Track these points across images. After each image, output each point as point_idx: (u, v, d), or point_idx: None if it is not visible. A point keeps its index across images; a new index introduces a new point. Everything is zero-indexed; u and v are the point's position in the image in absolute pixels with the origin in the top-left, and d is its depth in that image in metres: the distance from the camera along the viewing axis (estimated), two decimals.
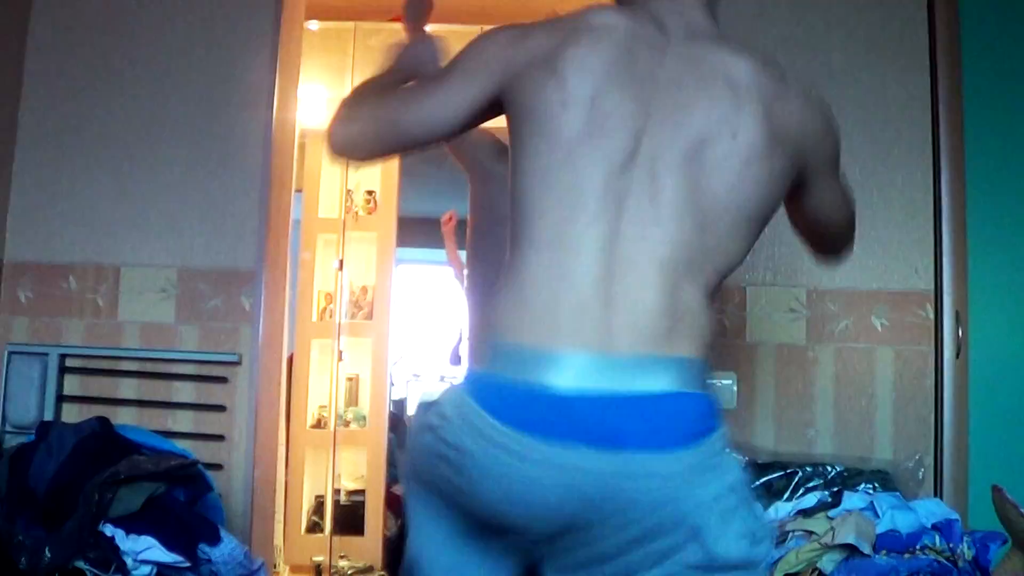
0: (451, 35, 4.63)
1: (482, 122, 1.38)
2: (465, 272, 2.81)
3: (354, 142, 1.40)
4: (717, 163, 1.22)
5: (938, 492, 2.60)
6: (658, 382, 1.15)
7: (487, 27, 3.86)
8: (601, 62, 1.24)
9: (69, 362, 2.74)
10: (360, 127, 1.39)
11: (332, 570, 4.17)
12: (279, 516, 3.64)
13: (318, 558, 4.18)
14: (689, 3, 1.33)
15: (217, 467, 2.64)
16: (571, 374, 1.14)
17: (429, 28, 3.99)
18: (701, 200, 1.21)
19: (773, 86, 1.27)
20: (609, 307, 1.17)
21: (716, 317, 1.33)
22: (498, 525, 1.19)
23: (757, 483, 2.49)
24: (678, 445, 1.14)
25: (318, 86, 4.31)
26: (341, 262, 4.36)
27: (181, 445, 2.55)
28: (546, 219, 1.22)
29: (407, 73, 1.61)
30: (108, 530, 2.13)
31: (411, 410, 4.91)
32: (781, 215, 2.63)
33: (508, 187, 1.29)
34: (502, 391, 1.17)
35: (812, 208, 1.45)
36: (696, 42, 1.30)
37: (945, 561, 2.12)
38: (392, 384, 4.77)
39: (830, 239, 1.54)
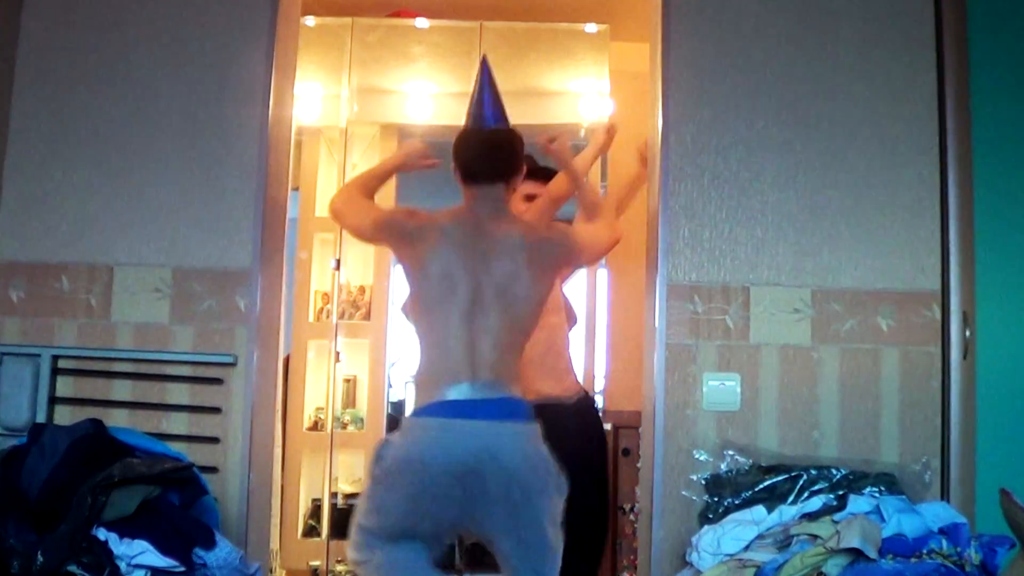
0: (450, 31, 4.64)
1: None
2: None
3: (337, 216, 2.60)
4: (514, 288, 2.36)
5: (945, 495, 2.59)
6: (501, 393, 2.31)
7: (487, 23, 3.96)
8: (446, 255, 2.37)
9: (62, 363, 2.72)
10: (339, 207, 2.59)
11: (329, 574, 4.15)
12: (275, 520, 3.61)
13: (315, 562, 4.17)
14: (492, 204, 2.45)
15: (212, 470, 2.63)
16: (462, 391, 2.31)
17: (429, 23, 4.09)
18: (508, 309, 2.35)
19: (531, 238, 2.41)
20: (474, 364, 2.32)
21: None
22: (442, 484, 2.19)
23: (761, 486, 2.47)
24: (514, 419, 2.29)
25: (315, 83, 4.28)
26: (338, 261, 4.33)
27: (176, 448, 2.54)
28: (436, 333, 2.36)
29: (394, 168, 2.79)
30: (101, 534, 2.12)
31: (409, 412, 4.88)
32: (775, 221, 2.65)
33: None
34: (439, 405, 2.30)
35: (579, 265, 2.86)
36: (494, 223, 2.42)
37: (952, 566, 2.12)
38: (390, 386, 4.73)
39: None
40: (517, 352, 2.42)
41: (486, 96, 2.54)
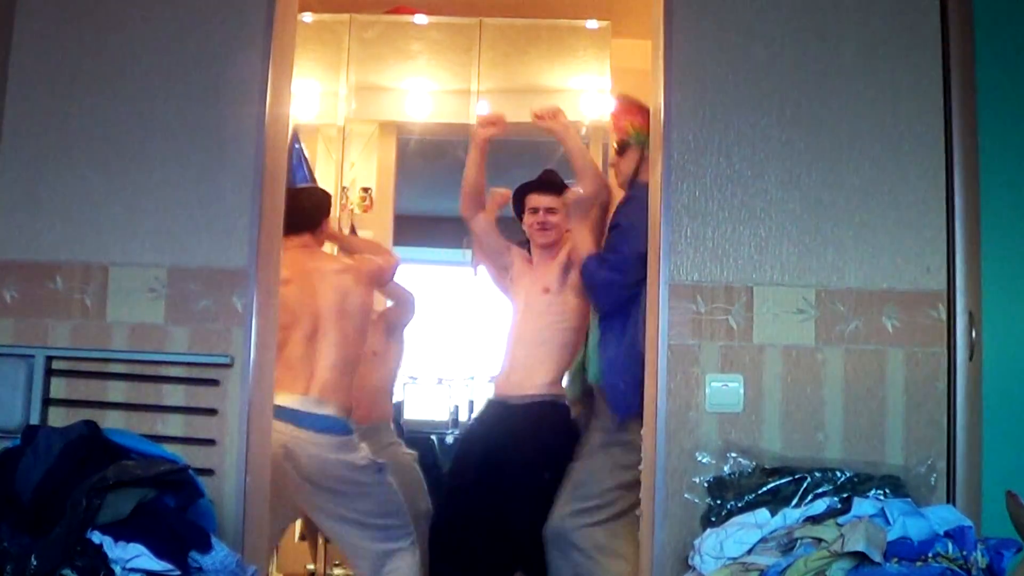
0: (449, 27, 4.61)
1: None
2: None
3: None
4: (345, 312, 3.21)
5: (951, 498, 2.57)
6: (322, 409, 3.19)
7: (487, 19, 3.97)
8: (293, 290, 3.14)
9: (56, 364, 2.70)
10: None
11: None
12: None
13: (311, 566, 4.16)
14: (309, 248, 3.35)
15: (208, 472, 2.61)
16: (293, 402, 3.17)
17: (428, 20, 4.18)
18: (344, 328, 3.21)
19: (357, 268, 3.36)
20: (310, 380, 3.23)
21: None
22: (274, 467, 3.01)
23: (764, 489, 2.45)
24: (321, 431, 3.18)
25: (312, 80, 4.27)
26: None
27: (171, 449, 2.51)
28: (288, 351, 3.18)
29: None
30: (96, 537, 2.10)
31: (408, 414, 4.90)
32: (778, 221, 2.63)
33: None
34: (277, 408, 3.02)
35: None
36: (319, 260, 3.28)
37: (958, 569, 2.10)
38: None
39: None
40: (349, 365, 3.24)
41: (295, 163, 3.37)
